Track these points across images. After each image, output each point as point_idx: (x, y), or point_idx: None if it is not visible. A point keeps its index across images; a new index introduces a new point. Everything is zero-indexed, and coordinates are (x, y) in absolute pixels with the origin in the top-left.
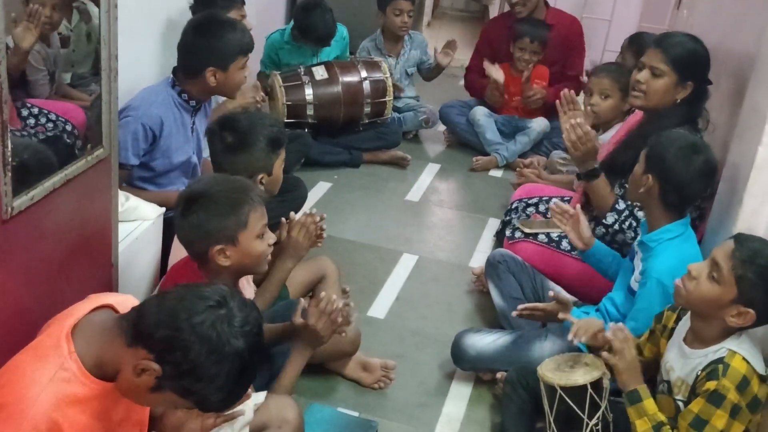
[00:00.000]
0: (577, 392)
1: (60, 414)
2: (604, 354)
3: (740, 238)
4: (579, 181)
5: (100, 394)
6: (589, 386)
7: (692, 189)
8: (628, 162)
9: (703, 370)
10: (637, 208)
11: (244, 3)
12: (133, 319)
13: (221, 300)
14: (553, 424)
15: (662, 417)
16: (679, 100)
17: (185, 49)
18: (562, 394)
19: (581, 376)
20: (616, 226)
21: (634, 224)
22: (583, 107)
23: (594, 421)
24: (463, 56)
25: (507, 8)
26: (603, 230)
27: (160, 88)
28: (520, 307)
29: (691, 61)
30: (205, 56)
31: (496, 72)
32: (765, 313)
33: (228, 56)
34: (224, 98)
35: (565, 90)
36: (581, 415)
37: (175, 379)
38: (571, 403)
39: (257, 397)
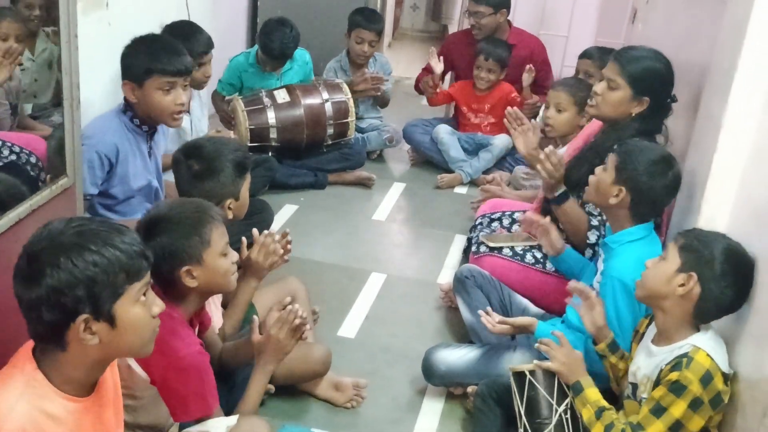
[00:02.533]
0: (546, 378)
1: (35, 428)
2: (535, 362)
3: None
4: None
5: (75, 411)
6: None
7: (664, 202)
8: (584, 176)
9: (667, 364)
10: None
11: (209, 47)
12: (38, 340)
13: (21, 256)
14: (524, 416)
15: (604, 402)
16: (634, 114)
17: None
18: (532, 379)
19: (549, 362)
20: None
21: None
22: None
23: (562, 407)
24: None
25: (467, 26)
26: (591, 252)
27: (112, 115)
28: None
29: (647, 76)
30: (123, 67)
31: (436, 64)
32: (707, 278)
33: (141, 70)
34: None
35: (509, 108)
36: (550, 400)
37: (95, 299)
38: (540, 388)
39: (229, 420)
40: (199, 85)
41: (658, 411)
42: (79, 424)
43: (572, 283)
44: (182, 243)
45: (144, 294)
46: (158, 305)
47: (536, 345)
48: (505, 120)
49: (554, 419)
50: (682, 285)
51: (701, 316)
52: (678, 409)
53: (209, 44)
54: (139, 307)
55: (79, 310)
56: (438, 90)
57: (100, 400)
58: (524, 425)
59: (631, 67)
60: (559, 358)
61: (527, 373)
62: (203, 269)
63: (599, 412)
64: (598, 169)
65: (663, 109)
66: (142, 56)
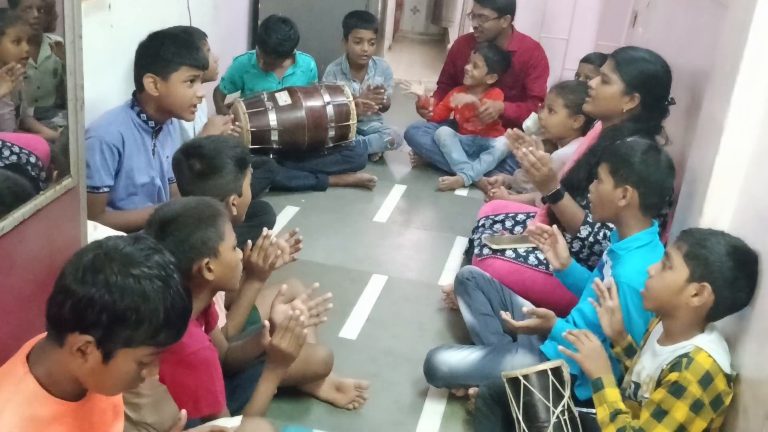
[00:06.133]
0: (540, 381)
1: None
2: (560, 348)
3: (684, 230)
4: (544, 204)
5: (65, 414)
6: (550, 373)
7: (669, 187)
8: (583, 180)
9: (668, 364)
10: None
11: (205, 36)
12: (47, 320)
13: (95, 247)
14: (522, 422)
15: (622, 406)
16: (625, 110)
17: (135, 58)
18: (526, 383)
19: (541, 365)
20: (591, 238)
21: (608, 233)
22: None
23: (559, 409)
24: (425, 78)
25: (466, 30)
26: (579, 243)
27: (119, 109)
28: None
29: (637, 72)
30: (145, 61)
31: (417, 87)
32: (720, 285)
33: (168, 63)
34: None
35: (509, 130)
36: (546, 403)
37: (110, 333)
38: (535, 392)
39: (233, 421)
40: (214, 74)
41: (660, 414)
42: (72, 425)
43: (596, 281)
44: (201, 235)
45: (149, 360)
46: (152, 374)
47: (564, 334)
48: (507, 139)
49: (552, 421)
50: (695, 295)
51: (712, 318)
52: (680, 412)
53: (203, 33)
54: (135, 366)
55: (90, 331)
56: (430, 109)
57: (93, 402)
58: (523, 430)
59: (624, 63)
60: (585, 350)
61: (521, 378)
62: (219, 262)
63: (614, 415)
64: (593, 186)
65: (659, 111)
66: (171, 49)
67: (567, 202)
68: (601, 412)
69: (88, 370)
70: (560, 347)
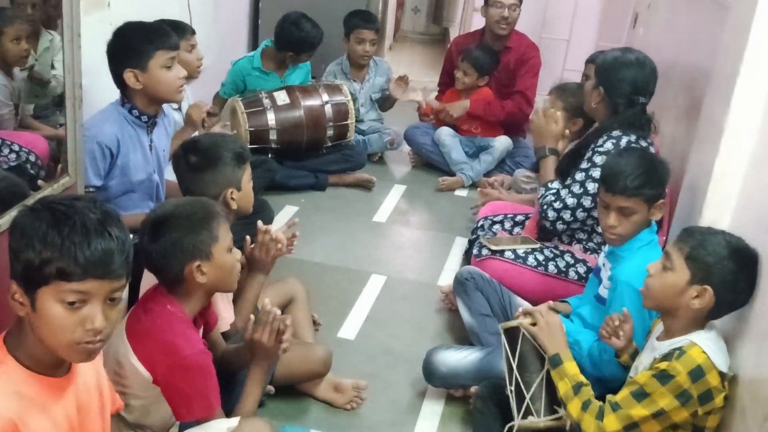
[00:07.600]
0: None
1: (14, 413)
2: (519, 318)
3: (684, 229)
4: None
5: (50, 390)
6: None
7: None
8: (570, 166)
9: (661, 355)
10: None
11: (193, 33)
12: None
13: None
14: (515, 371)
15: (582, 378)
16: (594, 105)
17: (107, 57)
18: (525, 332)
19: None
20: (539, 198)
21: (552, 200)
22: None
23: None
24: (425, 78)
25: (468, 30)
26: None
27: (110, 108)
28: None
29: (602, 67)
30: (119, 57)
31: (414, 95)
32: (721, 288)
33: (142, 53)
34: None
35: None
36: (543, 353)
37: (24, 276)
38: (533, 341)
39: (231, 422)
40: (195, 71)
41: (641, 396)
42: (56, 401)
43: (608, 318)
44: (192, 238)
45: (75, 299)
46: (99, 321)
47: (516, 313)
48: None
49: (546, 368)
50: (696, 297)
51: (713, 317)
52: (665, 399)
53: (191, 28)
54: (60, 308)
55: (16, 276)
56: (431, 116)
57: (75, 382)
58: (516, 381)
59: (597, 60)
60: (541, 323)
61: (521, 327)
62: (212, 265)
63: (577, 387)
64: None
65: (630, 105)
66: (139, 40)
67: (548, 164)
68: (563, 387)
69: (33, 325)
70: (516, 314)
